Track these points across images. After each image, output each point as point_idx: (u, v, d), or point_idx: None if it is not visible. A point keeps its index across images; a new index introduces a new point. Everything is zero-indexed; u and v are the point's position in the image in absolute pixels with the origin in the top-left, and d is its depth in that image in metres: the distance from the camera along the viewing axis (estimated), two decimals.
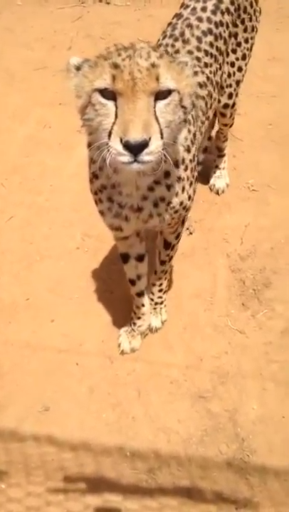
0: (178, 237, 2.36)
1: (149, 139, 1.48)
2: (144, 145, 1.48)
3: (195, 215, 3.14)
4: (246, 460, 2.27)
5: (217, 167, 3.30)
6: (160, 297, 2.66)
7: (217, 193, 3.27)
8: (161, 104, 1.55)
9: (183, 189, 2.00)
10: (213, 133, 3.29)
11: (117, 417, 2.41)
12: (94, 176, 1.96)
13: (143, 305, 2.59)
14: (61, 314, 2.77)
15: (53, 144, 3.60)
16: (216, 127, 3.19)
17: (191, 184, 2.06)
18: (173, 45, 2.23)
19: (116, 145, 1.50)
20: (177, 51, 2.21)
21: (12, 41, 4.50)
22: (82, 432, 2.36)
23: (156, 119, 1.54)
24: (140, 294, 2.53)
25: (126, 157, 1.51)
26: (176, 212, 2.03)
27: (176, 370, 2.54)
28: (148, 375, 2.53)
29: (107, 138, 1.53)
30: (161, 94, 1.54)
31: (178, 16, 2.35)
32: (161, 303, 2.68)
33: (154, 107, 1.54)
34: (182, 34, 2.25)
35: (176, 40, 2.24)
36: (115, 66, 1.52)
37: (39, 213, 3.23)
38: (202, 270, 2.93)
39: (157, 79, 1.52)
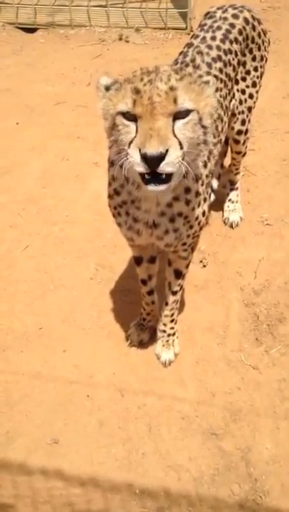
0: (188, 265, 2.42)
1: (166, 151, 1.55)
2: (160, 158, 1.55)
3: (209, 248, 3.16)
4: (259, 502, 2.20)
5: (230, 201, 3.33)
6: (172, 328, 2.65)
7: (231, 226, 3.29)
8: (180, 123, 1.63)
9: (199, 204, 2.07)
10: (226, 165, 3.33)
11: (127, 452, 2.36)
12: (115, 193, 2.04)
13: (153, 302, 2.67)
14: (73, 345, 2.76)
15: (70, 176, 3.67)
16: (229, 160, 3.23)
17: (205, 200, 2.14)
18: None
19: (134, 154, 1.58)
20: None
21: (33, 76, 4.65)
22: (91, 466, 2.32)
23: (175, 135, 1.61)
24: (150, 293, 2.62)
25: (142, 168, 1.58)
26: (191, 227, 2.09)
27: (187, 405, 2.50)
28: (159, 410, 2.49)
29: (128, 147, 1.62)
30: (180, 114, 1.62)
31: (189, 44, 2.48)
32: (174, 334, 2.67)
33: (173, 126, 1.61)
34: (193, 60, 2.36)
35: (186, 65, 2.35)
36: (136, 91, 1.62)
37: (54, 243, 3.27)
38: (215, 303, 2.91)
39: (175, 101, 1.60)
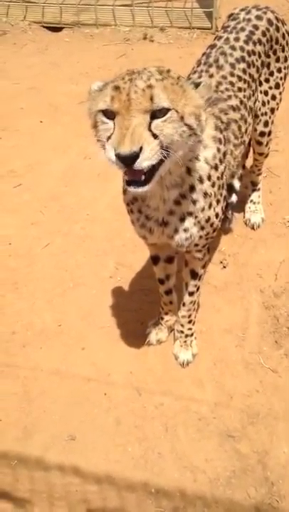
0: (204, 266, 2.41)
1: (140, 149, 1.57)
2: (135, 157, 1.57)
3: (229, 249, 3.14)
4: (275, 506, 2.18)
5: (252, 202, 3.30)
6: (190, 329, 2.64)
7: (252, 227, 3.26)
8: (158, 120, 1.63)
9: (210, 205, 2.06)
10: (248, 166, 3.30)
11: (143, 451, 2.36)
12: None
13: (171, 302, 2.68)
14: (92, 342, 2.77)
15: (92, 175, 3.69)
16: (250, 162, 3.20)
17: (218, 202, 2.13)
18: (207, 71, 2.35)
19: (110, 153, 1.62)
20: (212, 76, 2.33)
21: (58, 75, 4.69)
22: (108, 464, 2.33)
23: (151, 131, 1.61)
24: (168, 292, 2.63)
25: (118, 165, 1.61)
26: (202, 228, 2.08)
27: (204, 406, 2.49)
28: (176, 410, 2.49)
29: (106, 142, 1.66)
30: (157, 113, 1.62)
31: (212, 46, 2.48)
32: (192, 335, 2.66)
33: (151, 124, 1.61)
34: (216, 61, 2.37)
35: (210, 66, 2.36)
36: (116, 88, 1.65)
37: (75, 241, 3.29)
38: (234, 305, 2.89)
39: (151, 99, 1.61)
